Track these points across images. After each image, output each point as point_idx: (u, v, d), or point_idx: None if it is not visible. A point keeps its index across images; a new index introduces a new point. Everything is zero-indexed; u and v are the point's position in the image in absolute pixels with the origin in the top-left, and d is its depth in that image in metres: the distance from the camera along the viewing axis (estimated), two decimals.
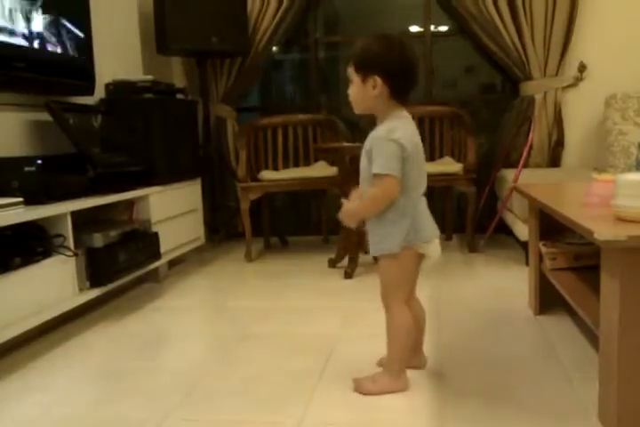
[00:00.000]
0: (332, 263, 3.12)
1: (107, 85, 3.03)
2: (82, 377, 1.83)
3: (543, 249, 2.08)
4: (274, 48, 3.93)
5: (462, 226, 3.53)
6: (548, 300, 2.17)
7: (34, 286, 2.02)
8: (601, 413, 1.40)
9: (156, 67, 3.69)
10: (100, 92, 2.96)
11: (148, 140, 2.94)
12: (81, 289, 2.29)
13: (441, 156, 3.62)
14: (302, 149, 3.77)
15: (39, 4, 2.45)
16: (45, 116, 2.50)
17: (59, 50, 2.59)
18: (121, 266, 2.45)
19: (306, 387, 1.66)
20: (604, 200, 1.46)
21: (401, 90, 1.53)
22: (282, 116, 3.76)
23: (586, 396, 1.52)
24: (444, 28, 3.93)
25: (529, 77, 3.53)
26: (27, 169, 2.21)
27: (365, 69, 1.52)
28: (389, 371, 1.63)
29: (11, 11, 2.29)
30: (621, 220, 1.32)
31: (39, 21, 2.46)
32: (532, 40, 3.48)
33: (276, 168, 3.71)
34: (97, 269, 2.35)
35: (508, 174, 3.13)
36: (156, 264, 2.86)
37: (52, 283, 2.12)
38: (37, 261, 2.06)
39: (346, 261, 3.00)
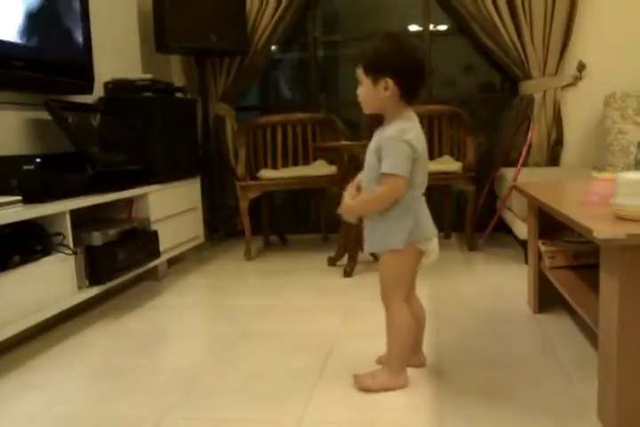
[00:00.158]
0: (332, 262, 3.12)
1: (106, 84, 3.03)
2: (81, 375, 1.83)
3: (542, 248, 2.08)
4: (273, 47, 3.93)
5: (461, 225, 3.53)
6: (547, 298, 2.17)
7: (33, 284, 2.02)
8: (600, 411, 1.40)
9: (155, 65, 3.69)
10: (99, 91, 2.95)
11: (147, 139, 2.94)
12: (80, 287, 2.29)
13: (440, 155, 3.62)
14: (301, 148, 3.77)
15: (38, 2, 2.45)
16: (44, 115, 2.50)
17: (58, 48, 2.59)
18: (120, 264, 2.46)
19: (305, 385, 1.66)
20: (603, 199, 1.46)
21: (411, 90, 1.54)
22: (281, 114, 3.76)
23: (585, 394, 1.52)
24: (443, 28, 3.93)
25: (528, 76, 3.54)
26: (26, 168, 2.21)
27: (377, 71, 1.52)
28: (389, 368, 1.63)
29: (9, 9, 2.29)
30: (620, 218, 1.33)
31: (38, 20, 2.46)
32: (532, 39, 3.48)
33: (275, 167, 3.71)
34: (96, 267, 2.35)
35: (508, 173, 3.14)
36: (156, 263, 2.86)
37: (52, 281, 2.12)
38: (36, 259, 2.06)
39: (345, 259, 3.00)
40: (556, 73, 3.52)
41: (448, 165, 3.35)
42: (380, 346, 1.82)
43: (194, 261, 3.44)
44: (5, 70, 2.27)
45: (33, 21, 2.42)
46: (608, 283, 1.31)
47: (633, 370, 1.28)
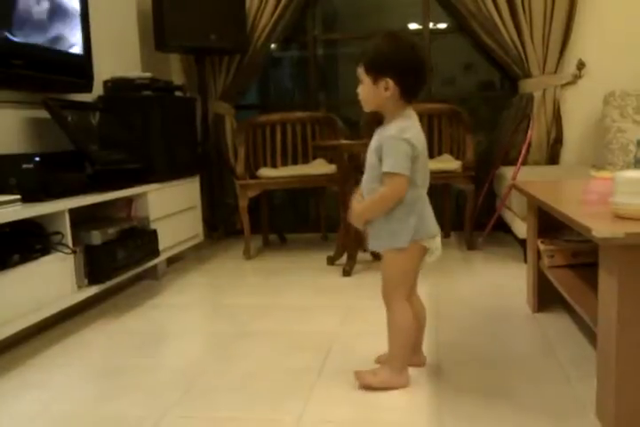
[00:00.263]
0: (331, 261, 3.12)
1: (105, 82, 3.03)
2: (80, 374, 1.83)
3: (541, 246, 2.08)
4: (272, 45, 3.93)
5: (461, 223, 3.53)
6: (546, 297, 2.17)
7: (32, 283, 2.02)
8: (599, 410, 1.40)
9: (155, 64, 3.68)
10: (98, 90, 2.95)
11: (147, 138, 2.94)
12: (79, 286, 2.29)
13: (439, 153, 3.62)
14: (301, 147, 3.77)
15: (37, 0, 2.44)
16: (43, 114, 2.49)
17: (57, 47, 2.59)
18: (119, 263, 2.45)
19: (305, 384, 1.66)
20: (602, 198, 1.46)
21: (412, 90, 1.55)
22: (280, 113, 3.76)
23: (584, 393, 1.52)
24: (442, 26, 3.92)
25: (528, 75, 3.53)
26: (25, 166, 2.20)
27: (377, 71, 1.52)
28: (391, 367, 1.63)
29: (8, 8, 2.29)
30: (619, 217, 1.32)
31: (37, 18, 2.46)
32: (531, 38, 3.47)
33: (274, 165, 3.71)
34: (95, 266, 2.35)
35: (507, 172, 3.14)
36: (155, 261, 2.86)
37: (51, 280, 2.12)
38: (36, 258, 2.06)
39: (344, 258, 3.00)
40: (555, 71, 3.52)
41: (447, 163, 3.34)
42: (379, 345, 1.82)
43: (193, 260, 3.44)
44: (4, 69, 2.26)
45: (32, 20, 2.42)
46: (607, 282, 1.31)
47: (632, 369, 1.28)
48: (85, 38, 2.78)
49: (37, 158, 2.22)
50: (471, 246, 3.36)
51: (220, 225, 3.96)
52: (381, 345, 1.81)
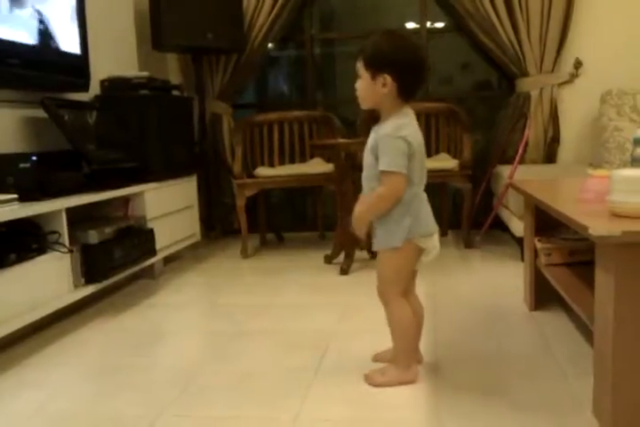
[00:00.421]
0: (328, 259, 3.12)
1: (102, 82, 3.02)
2: (77, 373, 1.83)
3: (538, 245, 2.08)
4: (269, 45, 3.93)
5: (458, 222, 3.54)
6: (543, 295, 2.17)
7: (29, 282, 2.01)
8: (595, 408, 1.40)
9: (152, 63, 3.68)
10: (95, 89, 2.95)
11: (144, 137, 2.94)
12: (76, 286, 2.28)
13: (437, 152, 3.62)
14: (298, 146, 3.77)
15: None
16: (40, 113, 2.49)
17: (54, 46, 2.58)
18: (116, 263, 2.45)
19: (302, 383, 1.66)
20: (599, 196, 1.47)
21: (410, 88, 1.54)
22: (278, 112, 3.76)
23: (581, 391, 1.52)
24: (440, 25, 3.92)
25: (525, 74, 3.54)
26: (22, 165, 2.20)
27: (376, 67, 1.52)
28: (397, 364, 1.64)
29: (4, 7, 2.28)
30: (616, 215, 1.33)
31: (33, 17, 2.45)
32: (528, 37, 3.47)
33: (271, 165, 3.71)
34: (92, 265, 2.34)
35: (504, 171, 3.14)
36: (152, 261, 2.85)
37: (47, 279, 2.11)
38: (32, 257, 2.05)
39: (342, 257, 3.00)
40: (552, 70, 3.52)
41: (445, 162, 3.35)
42: (376, 343, 1.82)
43: (190, 259, 3.44)
44: (1, 68, 2.26)
45: (29, 19, 2.42)
46: (604, 280, 1.32)
47: (628, 367, 1.28)
48: (82, 37, 2.78)
49: (34, 158, 2.22)
50: (468, 245, 3.37)
51: (218, 224, 3.95)
52: (379, 343, 1.81)
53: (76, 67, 2.76)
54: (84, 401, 1.62)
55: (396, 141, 1.50)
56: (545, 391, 1.55)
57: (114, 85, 3.02)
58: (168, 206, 3.07)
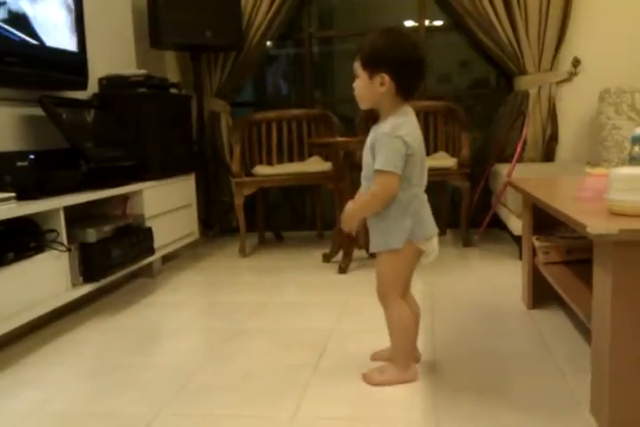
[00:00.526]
0: (327, 258, 3.12)
1: (100, 80, 3.02)
2: (74, 372, 1.83)
3: (536, 243, 2.08)
4: (268, 43, 3.92)
5: (456, 221, 3.54)
6: (541, 294, 2.17)
7: (27, 281, 2.01)
8: (593, 406, 1.40)
9: (150, 61, 3.67)
10: (93, 87, 2.94)
11: (142, 135, 2.93)
12: (74, 284, 2.28)
13: (435, 150, 3.62)
14: (297, 144, 3.76)
15: None
16: (38, 111, 2.48)
17: (51, 44, 2.57)
18: (114, 261, 2.45)
19: (299, 381, 1.66)
20: (597, 194, 1.47)
21: (408, 87, 1.52)
22: (276, 111, 3.76)
23: (578, 389, 1.52)
24: (438, 23, 3.92)
25: (523, 72, 3.53)
26: (19, 164, 2.20)
27: (373, 66, 1.50)
28: (396, 364, 1.63)
29: (1, 5, 2.28)
30: (614, 214, 1.33)
31: (31, 15, 2.45)
32: (527, 35, 3.47)
33: (270, 163, 3.71)
34: (90, 264, 2.34)
35: (502, 169, 3.14)
36: (150, 259, 2.85)
37: (45, 278, 2.11)
38: (30, 256, 2.05)
39: (340, 255, 3.00)
40: (551, 69, 3.52)
41: (443, 161, 3.35)
42: (375, 342, 1.82)
43: (188, 257, 3.44)
44: None
45: (26, 17, 2.41)
46: (601, 278, 1.32)
47: (626, 366, 1.28)
48: (80, 35, 2.77)
49: (32, 156, 2.21)
50: (467, 243, 3.37)
51: (216, 223, 3.95)
52: (377, 342, 1.81)
53: (74, 65, 2.76)
54: (82, 400, 1.62)
55: (393, 141, 1.49)
56: (542, 390, 1.55)
57: (112, 83, 3.02)
58: (166, 205, 3.06)
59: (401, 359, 1.63)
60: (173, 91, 3.34)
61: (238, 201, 3.34)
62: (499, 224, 3.38)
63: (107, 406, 1.58)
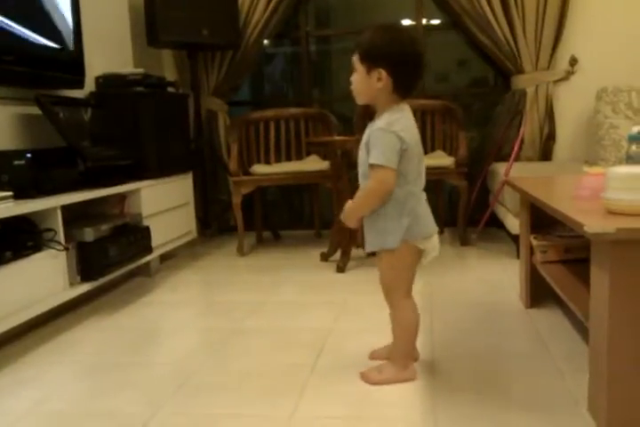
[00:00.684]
0: (325, 257, 3.12)
1: (97, 78, 3.01)
2: (73, 371, 1.82)
3: (534, 242, 2.08)
4: (265, 41, 3.92)
5: (454, 219, 3.54)
6: (539, 293, 2.18)
7: (24, 280, 2.01)
8: (591, 405, 1.41)
9: (147, 60, 3.67)
10: (90, 86, 2.94)
11: (139, 134, 2.93)
12: (72, 283, 2.28)
13: (432, 149, 3.62)
14: (294, 143, 3.76)
15: None
16: (35, 110, 2.48)
17: (48, 43, 2.57)
18: (112, 260, 2.45)
19: (298, 381, 1.66)
20: (594, 193, 1.47)
21: (405, 84, 1.52)
22: (274, 109, 3.75)
23: (576, 388, 1.53)
24: (435, 22, 3.92)
25: (520, 71, 3.54)
26: (16, 163, 2.19)
27: (371, 61, 1.49)
28: (396, 363, 1.63)
29: None
30: (611, 213, 1.33)
31: (28, 13, 2.44)
32: (524, 34, 3.47)
33: (268, 162, 3.70)
34: (88, 263, 2.34)
35: (500, 168, 3.14)
36: (148, 258, 2.85)
37: (43, 277, 2.11)
38: (27, 255, 2.05)
39: (338, 255, 3.00)
40: (548, 67, 3.52)
41: (440, 159, 3.35)
42: (373, 341, 1.82)
43: (186, 256, 3.44)
44: None
45: (22, 15, 2.40)
46: (599, 277, 1.32)
47: (623, 364, 1.28)
48: (77, 34, 2.77)
49: (29, 155, 2.21)
50: (464, 242, 3.37)
51: (214, 222, 3.95)
52: (375, 341, 1.82)
53: (71, 63, 2.75)
54: (80, 399, 1.62)
55: (387, 136, 1.47)
56: (540, 389, 1.55)
57: (109, 82, 3.01)
58: (164, 204, 3.06)
59: (400, 359, 1.63)
60: (170, 89, 3.33)
61: (236, 200, 3.34)
62: (496, 223, 3.38)
63: (105, 405, 1.58)
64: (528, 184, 1.99)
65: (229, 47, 3.75)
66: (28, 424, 1.50)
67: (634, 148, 1.68)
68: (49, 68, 2.59)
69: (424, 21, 3.86)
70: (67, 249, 2.22)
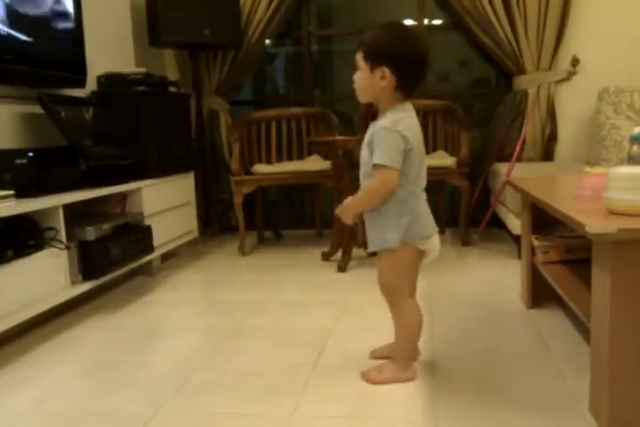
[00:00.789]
0: (326, 257, 3.12)
1: (99, 78, 3.01)
2: (73, 370, 1.83)
3: (535, 242, 2.08)
4: (267, 41, 3.92)
5: (455, 220, 3.54)
6: (540, 293, 2.17)
7: (26, 279, 2.01)
8: (592, 405, 1.41)
9: (149, 59, 3.67)
10: (91, 85, 2.94)
11: (141, 133, 2.93)
12: (73, 282, 2.28)
13: (434, 149, 3.62)
14: (296, 143, 3.76)
15: None
16: (37, 109, 2.48)
17: (50, 42, 2.57)
18: (113, 259, 2.45)
19: (299, 380, 1.66)
20: (596, 193, 1.47)
21: (409, 84, 1.51)
22: (275, 109, 3.75)
23: (577, 388, 1.52)
24: (437, 22, 3.92)
25: (522, 71, 3.54)
26: (18, 162, 2.20)
27: (375, 59, 1.48)
28: (397, 363, 1.63)
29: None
30: (613, 213, 1.33)
31: (30, 13, 2.44)
32: (526, 34, 3.47)
33: (269, 162, 3.70)
34: (89, 262, 2.34)
35: (501, 168, 3.14)
36: (149, 258, 2.85)
37: (44, 276, 2.11)
38: (29, 254, 2.05)
39: (339, 254, 3.00)
40: (549, 68, 3.52)
41: (442, 160, 3.35)
42: (374, 341, 1.82)
43: (188, 256, 3.44)
44: None
45: (24, 14, 2.41)
46: (600, 277, 1.32)
47: (625, 365, 1.28)
48: (79, 33, 2.77)
49: (31, 154, 2.21)
50: (466, 242, 3.37)
51: (215, 221, 3.95)
52: (376, 340, 1.82)
53: (73, 63, 2.75)
54: (81, 398, 1.62)
55: (392, 135, 1.47)
56: (541, 389, 1.55)
57: (111, 81, 3.01)
58: (165, 203, 3.06)
59: (402, 359, 1.63)
60: (172, 89, 3.33)
61: (237, 199, 3.34)
62: (497, 223, 3.38)
63: (105, 404, 1.58)
64: (529, 184, 1.99)
65: (231, 47, 3.75)
66: (29, 424, 1.50)
67: (635, 148, 1.68)
68: (51, 68, 2.59)
69: (426, 21, 3.86)
70: (68, 248, 2.22)
